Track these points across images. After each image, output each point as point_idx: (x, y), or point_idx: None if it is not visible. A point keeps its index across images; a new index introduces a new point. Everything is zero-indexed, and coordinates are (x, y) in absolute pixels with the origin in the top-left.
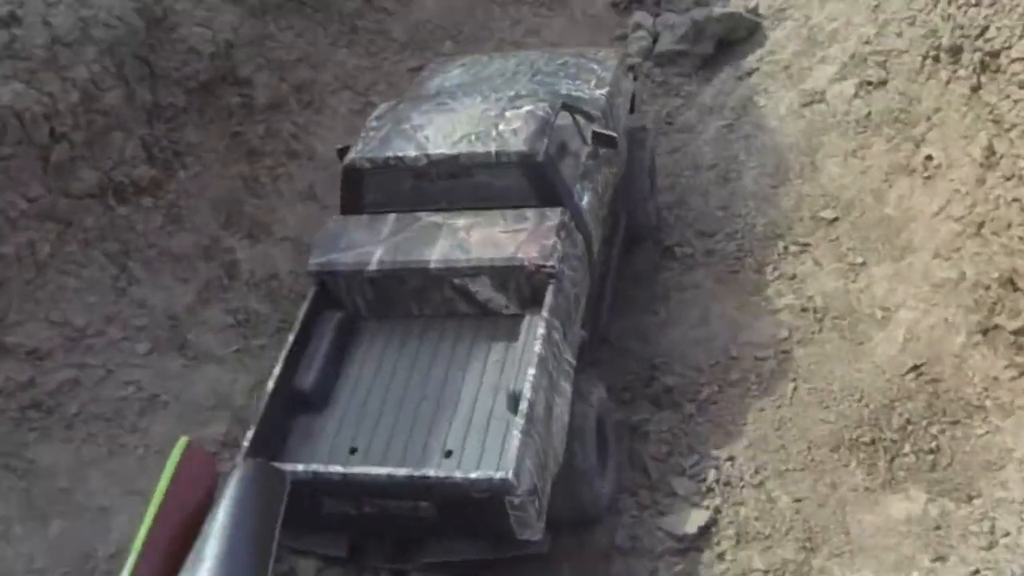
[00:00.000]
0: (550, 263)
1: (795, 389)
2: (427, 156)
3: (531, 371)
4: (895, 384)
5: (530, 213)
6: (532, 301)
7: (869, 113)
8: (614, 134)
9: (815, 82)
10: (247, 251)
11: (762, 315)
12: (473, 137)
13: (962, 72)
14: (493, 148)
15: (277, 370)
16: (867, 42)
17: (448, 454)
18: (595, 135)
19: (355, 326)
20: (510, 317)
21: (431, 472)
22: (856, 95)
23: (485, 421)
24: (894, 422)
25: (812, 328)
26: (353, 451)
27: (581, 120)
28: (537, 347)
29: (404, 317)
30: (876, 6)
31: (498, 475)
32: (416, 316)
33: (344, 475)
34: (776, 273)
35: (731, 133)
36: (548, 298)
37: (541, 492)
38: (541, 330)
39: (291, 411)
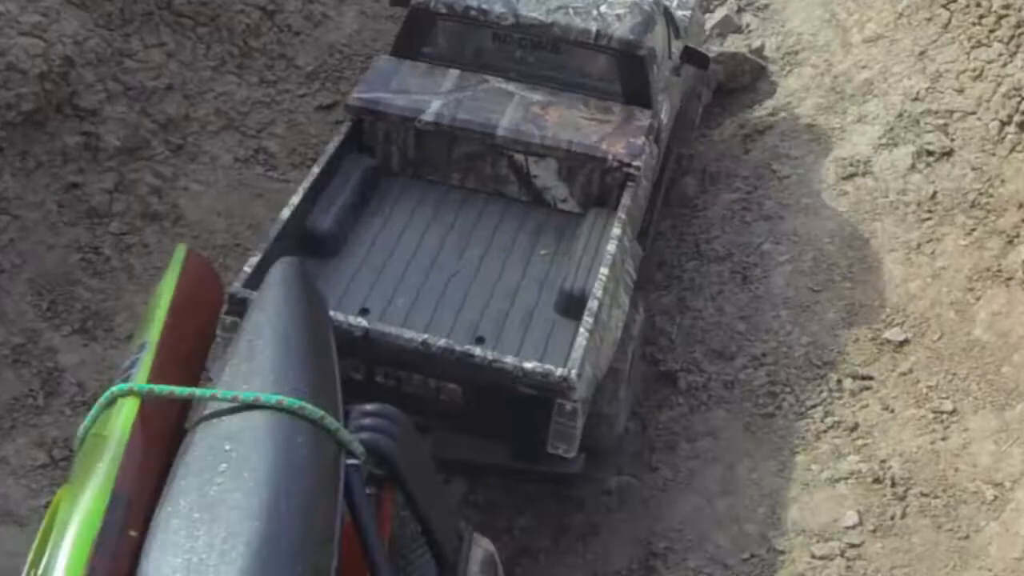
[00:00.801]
0: (636, 163)
1: None
2: (516, 16)
3: (604, 270)
4: None
5: (617, 108)
6: (596, 201)
7: (934, 194)
8: (707, 53)
9: (855, 148)
10: (76, 353)
11: (816, 485)
12: (571, 10)
13: None
14: (594, 27)
15: (295, 199)
16: (917, 98)
17: (479, 340)
18: (687, 51)
19: (382, 180)
20: (563, 213)
21: (476, 351)
22: (913, 168)
23: (526, 316)
24: None
25: (892, 510)
26: (364, 312)
27: (671, 32)
28: (611, 247)
29: (440, 184)
30: (921, 53)
31: (559, 371)
32: (455, 186)
33: (367, 331)
34: (829, 420)
35: (746, 211)
36: (626, 199)
37: (587, 405)
38: (616, 230)
39: (298, 252)
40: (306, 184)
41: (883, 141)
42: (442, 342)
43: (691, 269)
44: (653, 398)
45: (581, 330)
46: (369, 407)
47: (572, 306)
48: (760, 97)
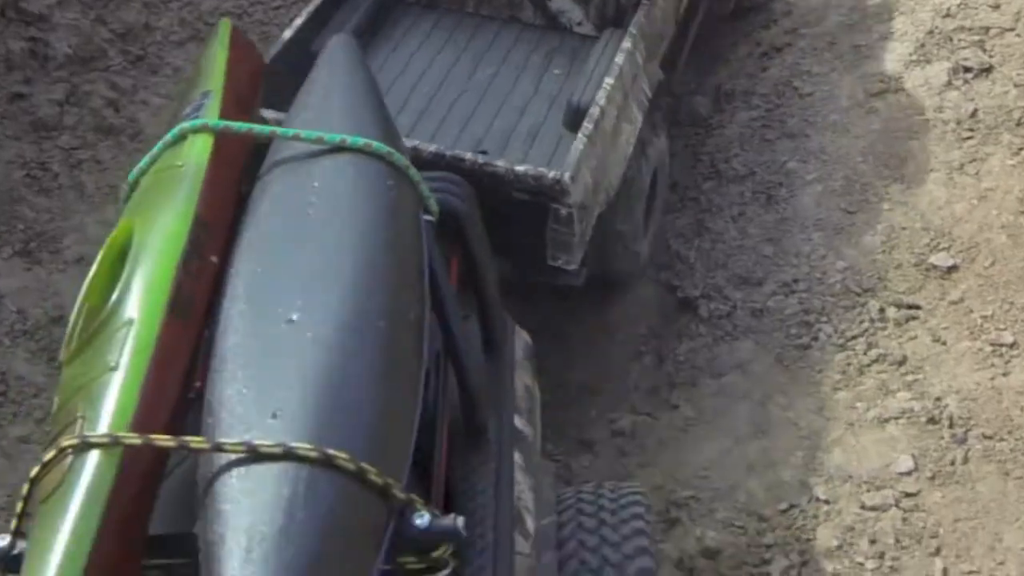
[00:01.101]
0: None
1: (945, 572)
2: None
3: (609, 80)
4: None
5: None
6: (613, 23)
7: (975, 111)
8: None
9: (883, 65)
10: (17, 278)
11: (861, 426)
12: None
13: None
14: None
15: (299, 21)
16: (948, 15)
17: (482, 153)
18: None
19: (394, 9)
20: (580, 37)
21: (467, 155)
22: (950, 84)
23: (534, 129)
24: None
25: (951, 454)
26: None
27: None
28: (619, 58)
29: (454, 11)
30: None
31: (551, 174)
32: (469, 13)
33: None
34: (873, 353)
35: (767, 128)
36: (638, 16)
37: (588, 215)
38: (626, 44)
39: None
40: (311, 8)
41: (914, 58)
42: (432, 147)
43: (708, 190)
44: (671, 327)
45: (579, 135)
46: (437, 173)
47: (579, 120)
48: (775, 17)
